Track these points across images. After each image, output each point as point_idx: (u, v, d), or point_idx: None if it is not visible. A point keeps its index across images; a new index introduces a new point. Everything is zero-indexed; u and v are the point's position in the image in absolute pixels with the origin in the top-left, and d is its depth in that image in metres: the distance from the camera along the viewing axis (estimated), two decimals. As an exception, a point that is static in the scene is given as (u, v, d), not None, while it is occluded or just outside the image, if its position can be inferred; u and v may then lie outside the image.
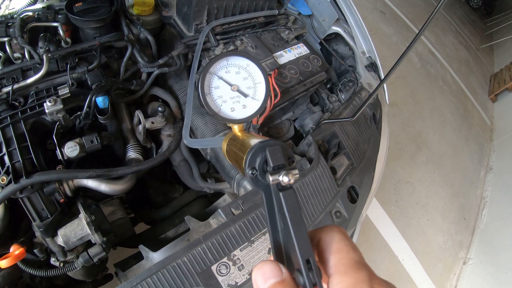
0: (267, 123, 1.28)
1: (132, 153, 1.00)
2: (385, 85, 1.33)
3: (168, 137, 1.05)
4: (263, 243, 0.89)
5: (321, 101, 1.33)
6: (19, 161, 0.81)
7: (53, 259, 0.88)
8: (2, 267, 0.77)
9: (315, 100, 1.36)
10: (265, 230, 0.90)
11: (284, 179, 0.38)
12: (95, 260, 0.86)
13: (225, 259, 0.84)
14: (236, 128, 0.52)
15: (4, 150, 0.82)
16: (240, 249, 0.86)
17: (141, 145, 1.03)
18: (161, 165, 1.16)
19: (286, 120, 1.34)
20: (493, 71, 5.27)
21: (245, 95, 0.53)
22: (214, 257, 0.83)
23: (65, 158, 0.86)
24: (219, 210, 0.89)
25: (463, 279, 2.60)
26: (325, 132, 1.11)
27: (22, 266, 0.83)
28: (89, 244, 0.90)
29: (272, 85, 1.06)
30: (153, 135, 1.08)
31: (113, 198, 1.03)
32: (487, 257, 2.68)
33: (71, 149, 0.86)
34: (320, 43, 1.38)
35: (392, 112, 3.33)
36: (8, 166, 0.81)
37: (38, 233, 0.87)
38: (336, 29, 1.33)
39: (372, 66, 1.31)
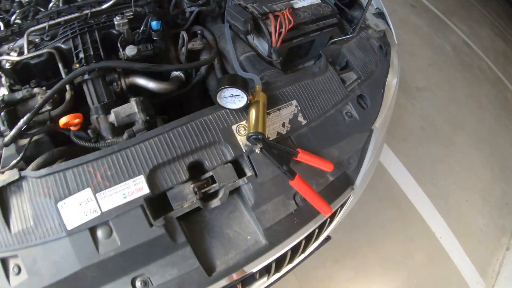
0: (291, 66, 1.38)
1: (175, 72, 1.15)
2: (392, 28, 1.39)
3: (205, 60, 1.20)
4: (278, 117, 0.96)
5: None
6: (91, 54, 1.00)
7: (102, 142, 0.98)
8: (61, 123, 0.90)
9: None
10: (279, 106, 0.98)
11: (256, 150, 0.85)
12: (138, 135, 0.95)
13: (243, 122, 0.93)
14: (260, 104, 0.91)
15: (80, 48, 1.02)
16: (258, 118, 0.95)
17: (183, 67, 1.18)
18: (198, 92, 1.30)
19: (308, 67, 1.43)
20: (532, 63, 4.86)
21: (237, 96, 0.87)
22: (235, 119, 0.92)
23: (125, 57, 1.03)
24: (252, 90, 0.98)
25: (507, 265, 2.31)
26: (334, 52, 1.19)
27: (75, 139, 0.95)
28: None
29: (287, 16, 1.19)
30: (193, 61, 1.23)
31: (157, 117, 1.17)
32: (532, 245, 2.40)
33: (130, 50, 1.03)
34: (335, 5, 1.49)
35: (426, 96, 3.26)
36: (81, 58, 1.00)
37: (93, 117, 1.00)
38: (347, -14, 1.44)
39: (379, 15, 1.39)
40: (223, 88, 0.86)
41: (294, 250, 1.05)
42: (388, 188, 2.43)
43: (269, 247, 0.92)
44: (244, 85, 0.86)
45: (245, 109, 0.94)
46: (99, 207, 0.80)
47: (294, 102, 1.00)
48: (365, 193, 2.35)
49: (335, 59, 1.19)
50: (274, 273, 1.07)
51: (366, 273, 2.06)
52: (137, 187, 0.82)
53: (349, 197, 1.10)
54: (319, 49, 1.38)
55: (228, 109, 0.93)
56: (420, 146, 2.78)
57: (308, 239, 1.06)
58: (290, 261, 1.08)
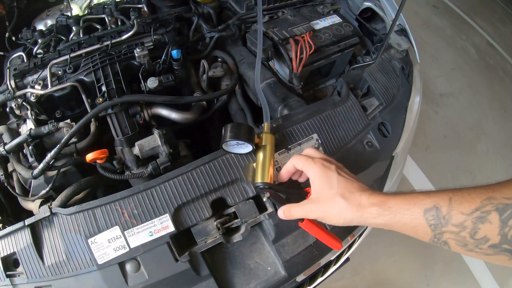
0: (312, 86, 1.40)
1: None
2: (415, 45, 1.37)
3: (226, 87, 1.22)
4: (298, 152, 0.98)
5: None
6: (113, 88, 1.04)
7: (127, 172, 1.03)
8: (88, 159, 0.94)
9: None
10: (300, 141, 1.00)
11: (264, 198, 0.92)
12: (161, 168, 1.00)
13: (264, 159, 0.95)
14: (267, 149, 0.91)
15: (102, 81, 1.06)
16: (279, 153, 0.97)
17: (205, 93, 1.21)
18: (220, 116, 1.33)
19: (330, 86, 1.44)
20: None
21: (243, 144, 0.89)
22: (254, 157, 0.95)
23: (147, 89, 1.07)
24: (262, 125, 1.00)
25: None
26: (356, 77, 1.19)
27: (102, 171, 0.99)
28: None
29: (308, 41, 1.20)
30: (215, 88, 1.26)
31: (180, 141, 1.20)
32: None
33: (152, 82, 1.06)
34: (356, 19, 1.48)
35: (448, 102, 3.22)
36: (104, 91, 1.04)
37: (118, 148, 1.04)
38: (367, 4, 1.43)
39: (401, 31, 1.37)
40: (228, 140, 0.87)
41: (313, 277, 1.09)
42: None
43: (288, 278, 0.96)
44: (249, 136, 0.87)
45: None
46: (127, 244, 0.86)
47: (315, 136, 1.02)
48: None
49: (357, 84, 1.20)
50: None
51: (385, 285, 2.09)
52: (162, 225, 0.87)
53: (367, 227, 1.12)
54: (341, 68, 1.39)
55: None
56: (442, 155, 2.75)
57: (327, 266, 1.10)
58: (309, 286, 1.13)
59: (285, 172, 0.85)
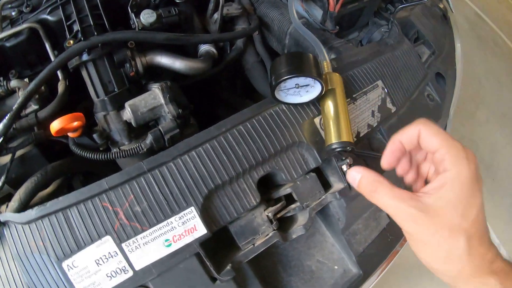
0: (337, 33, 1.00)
1: (205, 46, 0.73)
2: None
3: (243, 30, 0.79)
4: (365, 103, 0.59)
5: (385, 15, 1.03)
6: (91, 25, 0.57)
7: (115, 149, 0.58)
8: (53, 130, 0.50)
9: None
10: (365, 89, 0.60)
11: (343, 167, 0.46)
12: (166, 137, 0.56)
13: (328, 114, 0.55)
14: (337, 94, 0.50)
15: (74, 17, 0.59)
16: (343, 106, 0.57)
17: (214, 40, 0.77)
18: (230, 76, 0.90)
19: (353, 40, 1.06)
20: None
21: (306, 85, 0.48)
22: (316, 108, 0.54)
23: (140, 27, 0.62)
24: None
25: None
26: (402, 20, 0.82)
27: (76, 149, 0.55)
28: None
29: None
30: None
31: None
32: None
33: (147, 15, 0.60)
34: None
35: None
36: (77, 31, 0.57)
37: (100, 115, 0.58)
38: None
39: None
40: (286, 79, 0.46)
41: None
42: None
43: (364, 277, 0.58)
44: (316, 69, 0.47)
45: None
46: (129, 264, 0.42)
47: (380, 83, 0.63)
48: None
49: (402, 28, 0.82)
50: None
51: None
52: (186, 227, 0.44)
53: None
54: (366, 18, 1.01)
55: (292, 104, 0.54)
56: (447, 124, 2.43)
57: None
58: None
59: (396, 149, 0.40)
